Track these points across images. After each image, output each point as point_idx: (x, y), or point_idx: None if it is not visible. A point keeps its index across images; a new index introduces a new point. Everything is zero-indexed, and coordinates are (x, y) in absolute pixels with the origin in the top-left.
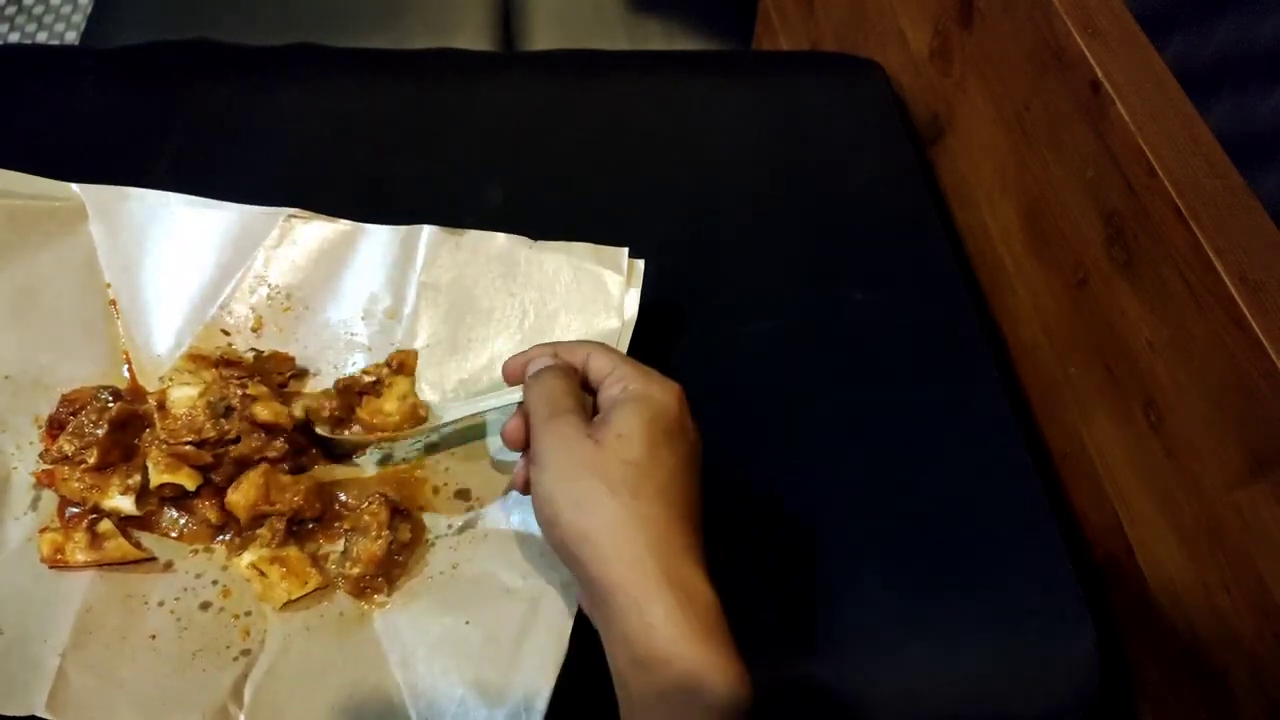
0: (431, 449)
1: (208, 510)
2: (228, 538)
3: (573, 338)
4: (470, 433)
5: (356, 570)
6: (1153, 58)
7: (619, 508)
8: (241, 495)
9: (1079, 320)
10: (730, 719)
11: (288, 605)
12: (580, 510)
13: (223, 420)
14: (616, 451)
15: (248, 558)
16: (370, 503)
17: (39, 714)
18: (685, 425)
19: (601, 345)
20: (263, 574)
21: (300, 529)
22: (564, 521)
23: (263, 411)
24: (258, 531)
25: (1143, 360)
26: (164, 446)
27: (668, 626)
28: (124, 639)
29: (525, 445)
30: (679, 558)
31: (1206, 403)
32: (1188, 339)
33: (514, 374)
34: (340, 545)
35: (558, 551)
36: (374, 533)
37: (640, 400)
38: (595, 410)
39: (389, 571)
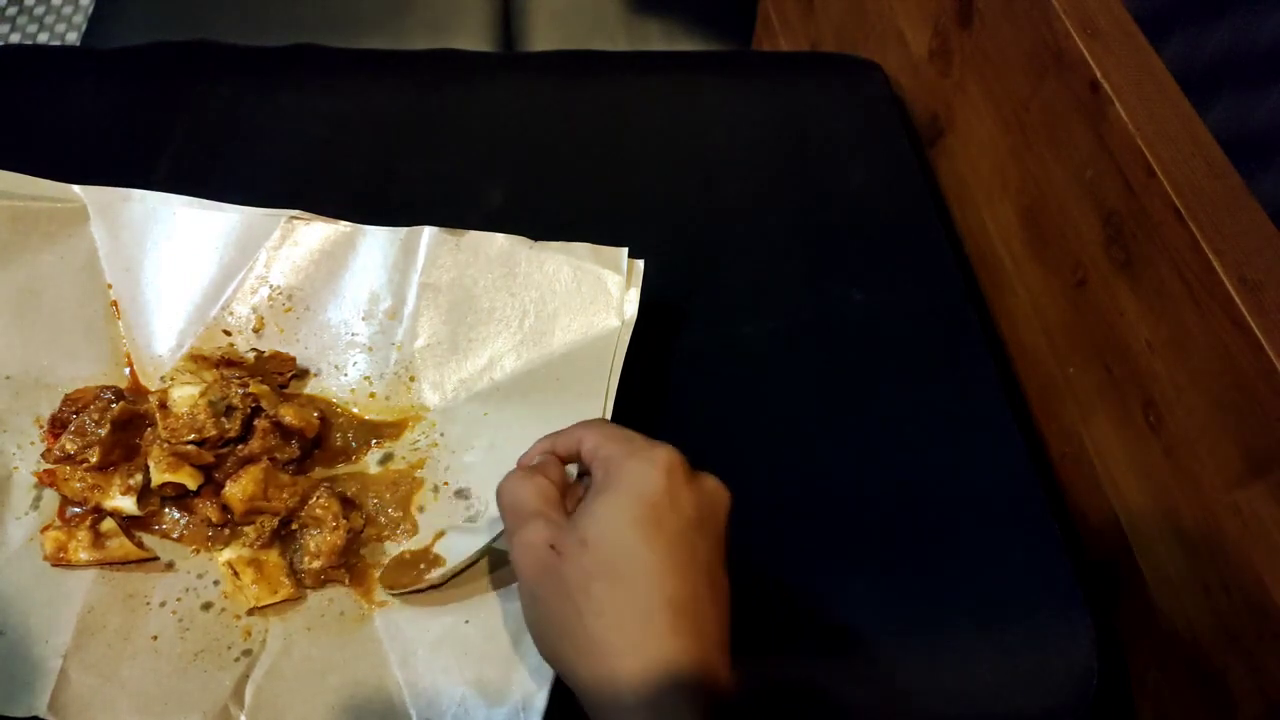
0: (431, 448)
1: (209, 510)
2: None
3: (573, 338)
4: (471, 433)
5: (319, 564)
6: (1152, 58)
7: (585, 638)
8: (240, 489)
9: (1078, 320)
10: None
11: (254, 611)
12: (550, 637)
13: (224, 419)
14: (579, 563)
15: (226, 554)
16: (319, 497)
17: (40, 714)
18: (677, 501)
19: (595, 423)
20: (235, 574)
21: (287, 533)
22: (542, 646)
23: (289, 416)
24: (244, 529)
25: (1142, 360)
26: (165, 446)
27: None
28: (125, 639)
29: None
30: (665, 683)
31: (1205, 403)
32: (1187, 339)
33: None
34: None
35: None
36: (331, 523)
37: (613, 489)
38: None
39: (348, 560)
